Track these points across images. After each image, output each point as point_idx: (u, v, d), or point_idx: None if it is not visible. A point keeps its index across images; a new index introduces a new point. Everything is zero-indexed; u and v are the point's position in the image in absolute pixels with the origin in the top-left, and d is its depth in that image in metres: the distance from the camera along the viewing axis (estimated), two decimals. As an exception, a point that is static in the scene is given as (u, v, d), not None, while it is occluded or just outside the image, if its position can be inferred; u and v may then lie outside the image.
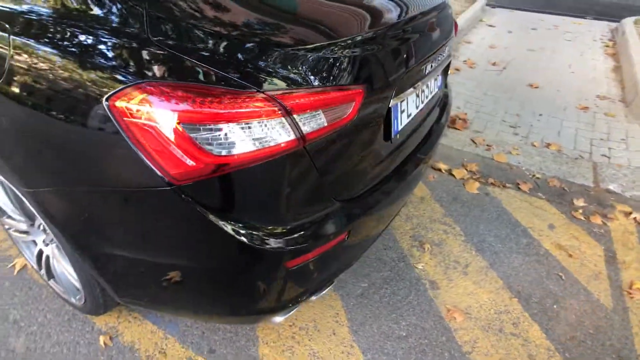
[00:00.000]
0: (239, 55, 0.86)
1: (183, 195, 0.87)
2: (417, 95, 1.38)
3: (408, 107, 1.32)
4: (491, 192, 2.42)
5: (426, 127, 1.60)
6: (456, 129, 3.07)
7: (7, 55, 0.96)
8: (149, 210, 0.95)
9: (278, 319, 1.22)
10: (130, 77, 0.82)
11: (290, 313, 1.24)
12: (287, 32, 0.96)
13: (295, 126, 0.88)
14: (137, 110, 0.81)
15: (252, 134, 0.84)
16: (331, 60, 0.94)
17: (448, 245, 2.02)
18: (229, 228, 0.92)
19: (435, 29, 1.35)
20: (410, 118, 1.36)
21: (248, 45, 0.88)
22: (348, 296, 1.72)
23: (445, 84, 1.83)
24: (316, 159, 0.98)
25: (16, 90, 0.95)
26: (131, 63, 0.84)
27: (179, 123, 0.80)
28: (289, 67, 0.89)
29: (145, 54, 0.84)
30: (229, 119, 0.82)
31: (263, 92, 0.84)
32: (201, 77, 0.82)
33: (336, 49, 0.96)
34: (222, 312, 1.21)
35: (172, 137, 0.81)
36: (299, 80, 0.89)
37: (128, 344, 1.49)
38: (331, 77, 0.94)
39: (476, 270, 1.88)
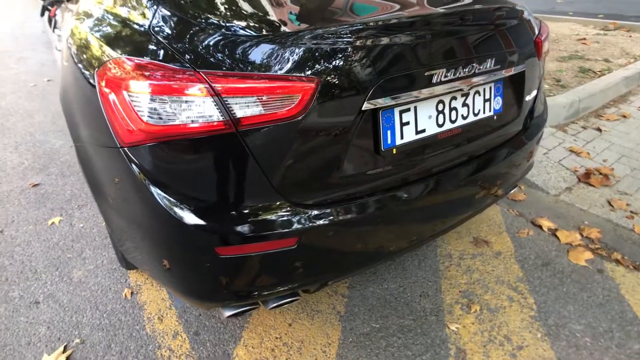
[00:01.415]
0: (190, 37, 0.92)
1: (127, 157, 0.95)
2: (439, 110, 1.15)
3: (417, 121, 1.11)
4: (607, 270, 1.77)
5: (476, 156, 1.32)
6: (590, 184, 2.40)
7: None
8: (107, 168, 1.07)
9: (225, 312, 1.16)
10: (114, 53, 0.97)
11: (240, 311, 1.16)
12: (242, 20, 0.97)
13: (224, 108, 0.86)
14: (107, 80, 0.94)
15: (180, 108, 0.86)
16: (280, 50, 0.90)
17: (506, 315, 1.56)
18: (159, 197, 0.95)
19: (464, 33, 1.12)
20: (424, 135, 1.14)
21: (201, 28, 0.93)
22: (351, 330, 1.51)
23: (523, 112, 1.46)
24: (256, 149, 0.92)
25: (66, 63, 1.24)
26: (119, 41, 0.99)
27: (124, 91, 0.89)
28: (233, 52, 0.90)
29: (127, 33, 0.98)
30: (161, 92, 0.86)
31: (196, 71, 0.86)
32: (156, 54, 0.91)
33: (290, 39, 0.92)
34: (169, 286, 1.17)
35: (119, 103, 0.91)
36: (240, 65, 0.88)
37: (142, 302, 1.66)
38: (275, 67, 0.89)
39: (531, 358, 1.39)
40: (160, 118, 0.87)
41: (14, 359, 1.43)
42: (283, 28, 0.99)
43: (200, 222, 0.95)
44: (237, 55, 0.89)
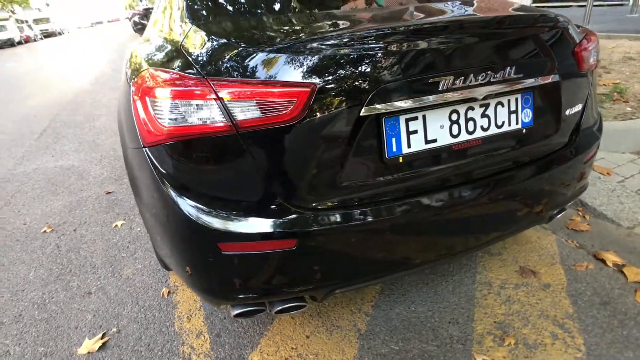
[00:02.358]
0: (207, 49, 1.04)
1: (147, 156, 1.07)
2: (452, 120, 1.11)
3: (427, 130, 1.09)
4: (686, 316, 1.49)
5: (504, 171, 1.24)
6: (675, 217, 2.06)
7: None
8: (137, 169, 1.19)
9: (233, 311, 1.19)
10: (145, 66, 1.13)
11: (246, 310, 1.17)
12: (247, 31, 1.06)
13: (226, 111, 0.94)
14: (136, 89, 1.09)
15: (189, 111, 0.96)
16: (278, 57, 0.97)
17: (546, 353, 1.38)
18: (171, 192, 1.04)
19: (474, 41, 1.08)
20: (435, 145, 1.10)
21: (216, 42, 1.04)
22: (368, 350, 1.45)
23: (564, 128, 1.33)
24: (256, 151, 0.98)
25: (121, 83, 1.44)
26: (155, 57, 1.16)
27: (146, 96, 1.02)
28: (237, 61, 0.99)
29: (164, 51, 1.14)
30: (173, 97, 0.97)
31: (204, 78, 0.95)
32: (178, 65, 1.03)
33: (287, 47, 0.98)
34: (185, 279, 1.22)
35: (142, 108, 1.04)
36: (241, 72, 0.97)
37: (175, 301, 1.77)
38: (273, 73, 0.96)
39: (572, 405, 1.20)
40: (173, 120, 0.97)
41: (62, 339, 1.61)
42: (282, 37, 1.06)
43: (204, 217, 1.01)
44: (240, 64, 0.98)
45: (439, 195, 1.15)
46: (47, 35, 35.35)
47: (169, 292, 1.82)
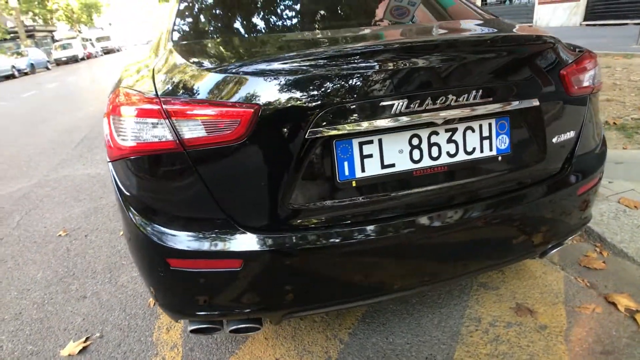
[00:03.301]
0: (168, 69, 1.09)
1: (111, 171, 1.12)
2: (413, 145, 1.07)
3: (383, 154, 1.05)
4: (703, 376, 1.30)
5: (481, 199, 1.17)
6: None
7: None
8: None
9: (189, 326, 1.18)
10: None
11: (201, 327, 1.17)
12: (204, 54, 1.09)
13: (174, 129, 0.96)
14: (107, 107, 1.14)
15: (142, 129, 0.99)
16: (225, 79, 0.99)
17: (527, 403, 1.25)
18: (127, 206, 1.07)
19: (431, 63, 1.03)
20: (393, 170, 1.06)
21: (177, 61, 1.09)
22: (334, 380, 1.39)
23: (552, 155, 1.24)
24: (203, 169, 0.99)
25: None
26: (128, 80, 1.23)
27: (110, 114, 1.07)
28: (189, 82, 1.02)
29: (140, 74, 1.21)
30: (129, 115, 1.01)
31: (158, 97, 0.99)
32: (142, 83, 1.08)
33: (234, 69, 1.00)
34: (149, 292, 1.22)
35: (106, 125, 1.09)
36: (191, 92, 0.99)
37: (159, 312, 1.79)
38: (219, 94, 0.97)
39: None
40: (129, 137, 1.01)
41: (50, 339, 1.68)
42: (236, 58, 1.08)
43: (153, 231, 1.04)
44: (192, 84, 1.01)
45: (401, 222, 1.09)
46: (107, 51, 38.44)
47: (154, 303, 1.86)
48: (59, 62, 26.02)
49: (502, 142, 1.15)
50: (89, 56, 31.39)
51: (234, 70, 0.99)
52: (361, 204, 1.08)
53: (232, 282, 1.06)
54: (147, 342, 1.63)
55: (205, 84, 1.00)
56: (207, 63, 1.09)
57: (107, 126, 1.08)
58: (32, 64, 21.31)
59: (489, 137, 1.13)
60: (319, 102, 0.97)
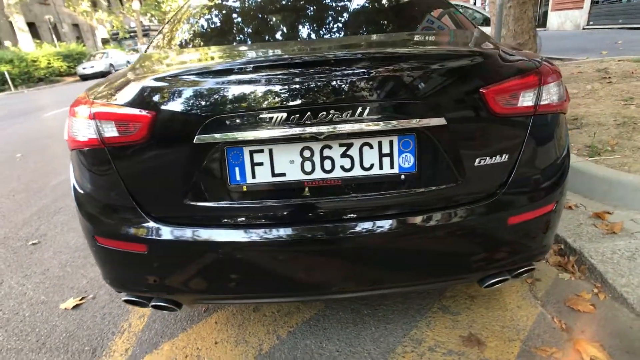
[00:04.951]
0: (118, 75, 1.29)
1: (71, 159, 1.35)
2: (305, 157, 1.11)
3: (274, 163, 1.12)
4: None
5: (381, 217, 1.17)
6: None
7: None
8: None
9: (123, 296, 1.38)
10: None
11: (130, 299, 1.34)
12: (147, 62, 1.26)
13: (97, 128, 1.15)
14: None
15: (80, 127, 1.20)
16: (138, 86, 1.15)
17: None
18: (73, 188, 1.30)
19: (321, 77, 1.07)
20: (284, 180, 1.13)
21: (129, 68, 1.29)
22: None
23: (472, 179, 1.17)
24: (118, 163, 1.16)
25: None
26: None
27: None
28: (116, 88, 1.20)
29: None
30: (72, 114, 1.22)
31: (92, 100, 1.19)
32: (99, 88, 1.30)
33: (146, 78, 1.15)
34: None
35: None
36: (115, 97, 1.17)
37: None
38: (129, 99, 1.14)
39: None
40: (72, 133, 1.22)
41: (58, 294, 2.04)
42: (164, 68, 1.23)
43: (86, 212, 1.25)
44: (118, 90, 1.18)
45: (290, 229, 1.15)
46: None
47: (145, 276, 2.13)
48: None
49: (405, 161, 1.13)
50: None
51: (145, 79, 1.15)
52: (251, 209, 1.16)
53: (141, 263, 1.23)
54: (124, 309, 1.89)
55: (124, 90, 1.17)
56: (138, 72, 1.26)
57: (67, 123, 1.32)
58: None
59: (390, 155, 1.12)
60: (207, 111, 1.07)
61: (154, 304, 1.33)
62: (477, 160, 1.15)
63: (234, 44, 1.63)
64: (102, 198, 1.23)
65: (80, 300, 1.97)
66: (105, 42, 34.05)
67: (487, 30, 5.29)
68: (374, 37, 1.50)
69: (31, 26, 23.32)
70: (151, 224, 1.18)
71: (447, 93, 1.10)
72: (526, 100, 1.16)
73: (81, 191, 1.27)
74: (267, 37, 1.68)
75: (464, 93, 1.11)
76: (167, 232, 1.17)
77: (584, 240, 2.01)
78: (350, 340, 1.60)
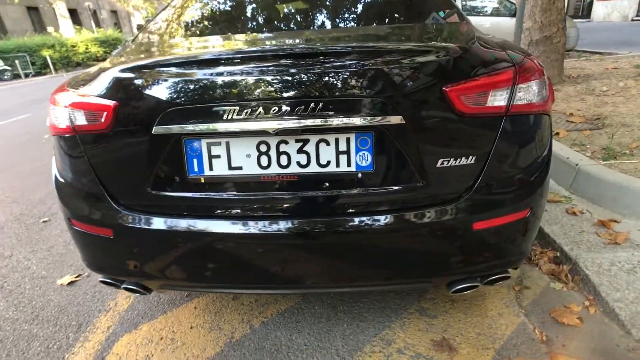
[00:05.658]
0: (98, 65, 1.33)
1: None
2: (261, 151, 1.11)
3: (230, 156, 1.12)
4: None
5: (338, 214, 1.16)
6: None
7: None
8: None
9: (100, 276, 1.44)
10: None
11: (105, 281, 1.40)
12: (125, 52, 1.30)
13: (69, 116, 1.20)
14: None
15: (57, 114, 1.24)
16: (103, 77, 1.17)
17: None
18: (54, 170, 1.36)
19: (273, 73, 1.06)
20: (241, 173, 1.13)
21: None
22: (224, 357, 1.51)
23: (436, 180, 1.13)
24: (87, 150, 1.20)
25: None
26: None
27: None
28: (92, 76, 1.23)
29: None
30: (50, 102, 1.28)
31: (67, 89, 1.23)
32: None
33: (111, 70, 1.17)
34: None
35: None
36: (86, 86, 1.21)
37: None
38: (96, 90, 1.17)
39: None
40: (52, 119, 1.27)
41: (58, 270, 2.16)
42: (122, 60, 1.25)
43: (63, 195, 1.30)
44: (90, 79, 1.21)
45: (246, 222, 1.16)
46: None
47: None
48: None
49: (363, 159, 1.10)
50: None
51: (113, 70, 1.17)
52: (209, 200, 1.17)
53: (109, 247, 1.27)
54: (113, 288, 1.97)
55: (96, 80, 1.19)
56: (112, 62, 1.29)
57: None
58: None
59: (347, 152, 1.10)
60: (165, 102, 1.09)
61: (124, 286, 1.38)
62: (440, 161, 1.11)
63: (206, 36, 1.63)
64: (76, 184, 1.28)
65: (76, 277, 2.08)
66: (140, 28, 35.11)
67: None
68: (341, 31, 1.45)
69: (72, 12, 24.36)
70: (117, 210, 1.22)
71: (407, 91, 1.05)
72: (497, 99, 1.10)
73: (59, 176, 1.33)
74: (236, 31, 1.68)
75: (426, 91, 1.06)
76: (131, 219, 1.21)
77: (582, 249, 1.90)
78: (321, 335, 1.60)
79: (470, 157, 1.12)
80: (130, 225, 1.21)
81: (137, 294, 1.70)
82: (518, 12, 3.76)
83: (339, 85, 1.05)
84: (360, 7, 1.78)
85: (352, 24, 1.62)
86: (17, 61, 16.76)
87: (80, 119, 1.18)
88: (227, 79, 1.07)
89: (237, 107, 1.05)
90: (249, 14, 1.78)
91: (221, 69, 1.08)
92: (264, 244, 1.18)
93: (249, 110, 1.04)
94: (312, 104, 1.03)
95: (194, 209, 1.19)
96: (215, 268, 1.24)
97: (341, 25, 1.62)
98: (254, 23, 1.74)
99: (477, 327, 1.59)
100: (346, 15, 1.70)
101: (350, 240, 1.16)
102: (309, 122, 1.04)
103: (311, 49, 1.12)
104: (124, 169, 1.20)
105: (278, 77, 1.05)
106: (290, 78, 1.05)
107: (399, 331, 1.59)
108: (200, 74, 1.09)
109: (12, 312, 1.87)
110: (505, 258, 1.27)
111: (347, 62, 1.06)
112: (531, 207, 1.21)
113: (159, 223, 1.19)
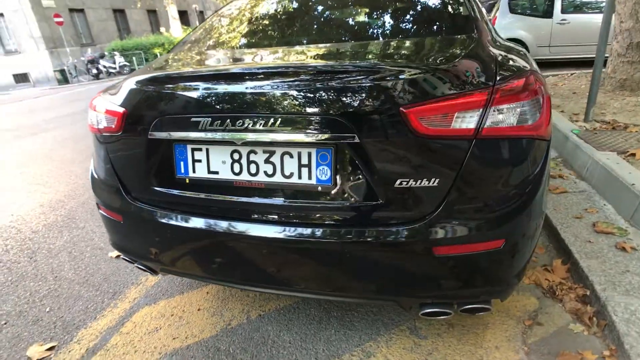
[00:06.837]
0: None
1: None
2: (234, 159, 1.23)
3: (210, 161, 1.26)
4: None
5: (299, 224, 1.22)
6: None
7: None
8: None
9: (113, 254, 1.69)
10: None
11: (125, 259, 1.65)
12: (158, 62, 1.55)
13: (97, 119, 1.44)
14: None
15: (90, 115, 1.50)
16: (125, 85, 1.38)
17: None
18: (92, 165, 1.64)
19: (243, 89, 1.16)
20: (217, 177, 1.26)
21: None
22: (217, 340, 1.67)
23: (396, 199, 1.12)
24: (108, 149, 1.43)
25: None
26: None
27: None
28: (119, 85, 1.45)
29: None
30: (90, 105, 1.54)
31: (101, 95, 1.48)
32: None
33: (126, 81, 1.36)
34: None
35: None
36: (113, 92, 1.44)
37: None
38: (117, 96, 1.39)
39: None
40: (90, 121, 1.54)
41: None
42: (144, 72, 1.45)
43: (93, 184, 1.57)
44: (117, 88, 1.43)
45: (221, 222, 1.28)
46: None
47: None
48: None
49: (322, 173, 1.14)
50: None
51: (131, 80, 1.37)
52: (191, 199, 1.31)
53: (120, 230, 1.51)
54: (149, 265, 2.27)
55: (120, 88, 1.41)
56: (138, 72, 1.51)
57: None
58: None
59: (308, 166, 1.15)
60: (156, 111, 1.27)
61: (136, 265, 1.61)
62: (398, 181, 1.09)
63: (203, 55, 1.77)
64: (102, 176, 1.53)
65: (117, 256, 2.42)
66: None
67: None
68: (311, 50, 1.47)
69: (183, 14, 27.22)
70: (126, 199, 1.43)
71: (365, 110, 1.07)
72: (464, 122, 1.05)
73: (93, 168, 1.60)
74: (234, 49, 1.79)
75: (383, 111, 1.06)
76: (135, 209, 1.42)
77: (617, 292, 1.67)
78: (307, 336, 1.66)
79: (433, 180, 1.09)
80: (132, 213, 1.42)
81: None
82: (606, 8, 3.25)
83: (299, 102, 1.11)
84: (336, 23, 1.83)
85: (326, 42, 1.62)
86: (134, 58, 19.39)
87: (102, 122, 1.41)
88: (203, 93, 1.22)
89: (210, 119, 1.17)
90: (244, 32, 1.92)
91: (198, 84, 1.23)
92: (235, 245, 1.29)
93: (219, 121, 1.16)
94: (272, 119, 1.11)
95: (180, 205, 1.36)
96: (195, 260, 1.40)
97: (316, 42, 1.64)
98: (241, 42, 1.86)
99: (466, 357, 1.51)
100: (321, 33, 1.76)
101: (310, 249, 1.21)
102: (270, 135, 1.13)
103: (273, 68, 1.21)
104: (134, 167, 1.41)
105: (245, 93, 1.16)
106: (255, 93, 1.15)
107: (383, 346, 1.58)
108: (182, 87, 1.25)
109: (72, 274, 2.26)
110: (480, 287, 1.20)
111: (307, 80, 1.11)
112: (505, 239, 1.12)
113: (154, 215, 1.38)
